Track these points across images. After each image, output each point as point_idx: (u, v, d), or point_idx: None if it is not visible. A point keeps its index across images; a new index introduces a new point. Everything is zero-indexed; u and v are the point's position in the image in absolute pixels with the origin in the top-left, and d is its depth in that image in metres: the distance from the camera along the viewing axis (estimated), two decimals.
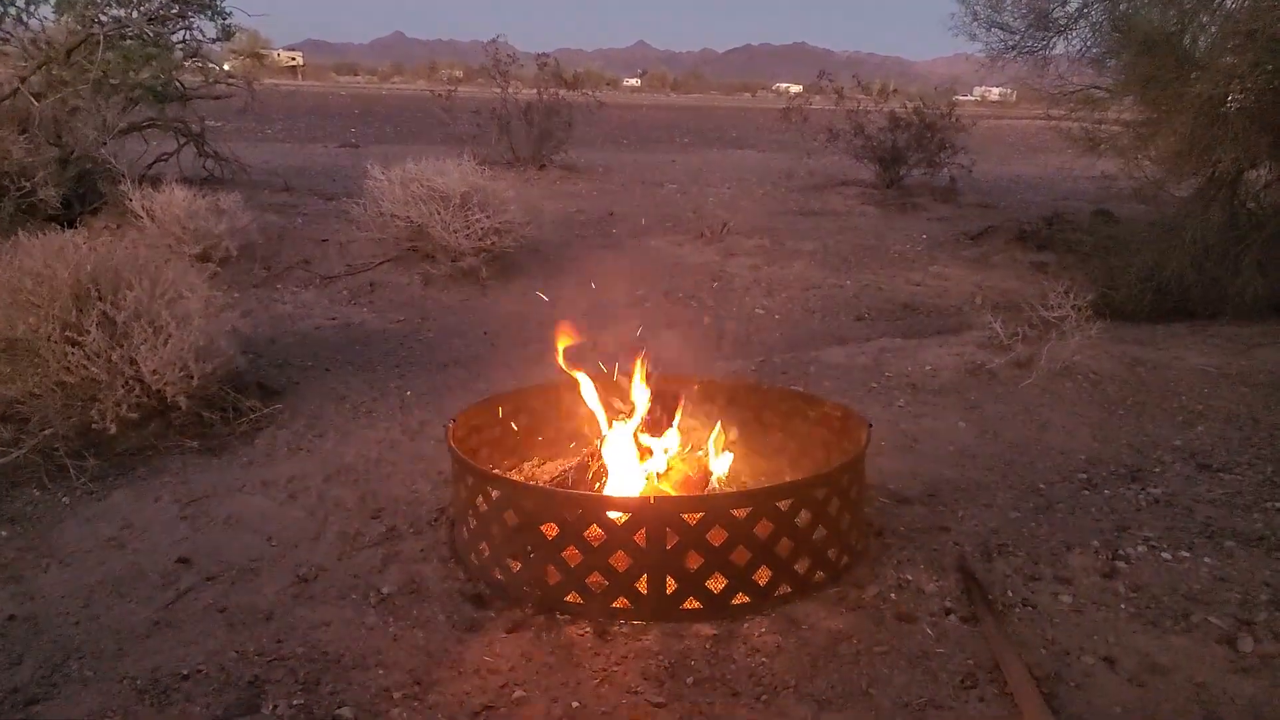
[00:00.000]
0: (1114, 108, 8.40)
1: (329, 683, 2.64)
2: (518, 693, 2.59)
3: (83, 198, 8.73)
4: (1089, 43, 8.54)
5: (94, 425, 4.27)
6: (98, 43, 9.65)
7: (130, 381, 4.39)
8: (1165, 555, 3.36)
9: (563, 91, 14.89)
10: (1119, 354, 5.72)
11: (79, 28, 9.97)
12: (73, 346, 4.33)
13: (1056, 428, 4.71)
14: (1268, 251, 6.89)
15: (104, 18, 10.19)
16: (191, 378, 4.49)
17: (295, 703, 2.55)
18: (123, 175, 8.29)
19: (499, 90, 14.77)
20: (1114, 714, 2.53)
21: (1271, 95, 6.53)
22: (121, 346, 4.41)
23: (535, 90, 14.85)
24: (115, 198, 8.33)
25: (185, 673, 2.68)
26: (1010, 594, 3.11)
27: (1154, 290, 7.12)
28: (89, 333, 4.34)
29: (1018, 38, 9.00)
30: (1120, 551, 3.38)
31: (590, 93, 15.57)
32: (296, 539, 3.53)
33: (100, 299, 4.54)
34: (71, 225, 7.65)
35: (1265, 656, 2.77)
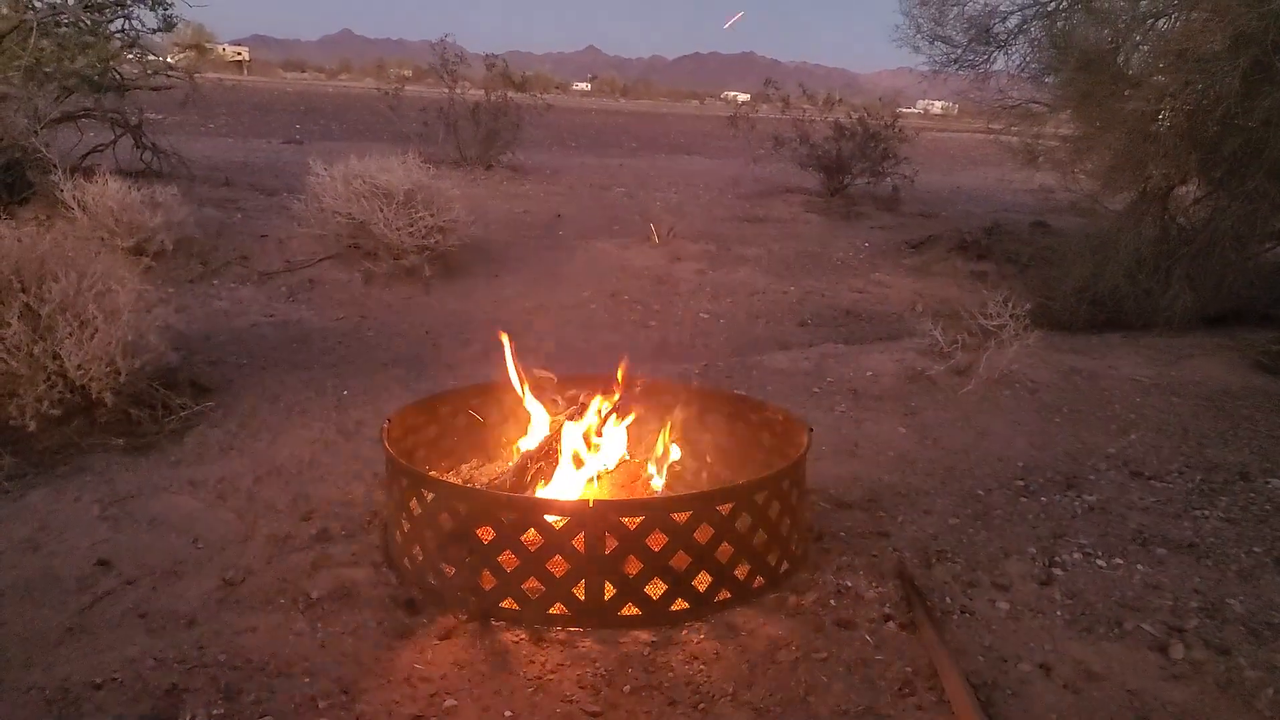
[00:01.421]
0: (1052, 122, 8.58)
1: (252, 691, 2.54)
2: (449, 701, 2.52)
3: (11, 187, 8.42)
4: (1028, 58, 8.74)
5: (12, 421, 4.10)
6: (31, 29, 9.34)
7: (53, 376, 4.22)
8: (1100, 562, 3.40)
9: (511, 93, 14.80)
10: (1056, 363, 5.82)
11: (11, 13, 9.64)
12: None
13: (995, 435, 4.76)
14: (1196, 265, 7.08)
15: (38, 4, 9.87)
16: (119, 374, 4.33)
17: (215, 712, 2.44)
18: (54, 165, 8.00)
19: (447, 90, 14.63)
20: None
21: (1200, 114, 6.71)
22: (44, 340, 4.24)
23: (483, 91, 14.74)
24: (46, 188, 8.05)
25: (98, 681, 2.55)
26: (949, 600, 3.12)
27: (1089, 301, 7.27)
28: (9, 325, 4.17)
29: (959, 51, 9.16)
30: (1056, 559, 3.41)
31: (539, 95, 15.51)
32: (224, 541, 3.41)
33: (23, 290, 4.36)
34: None
35: (1196, 663, 2.82)
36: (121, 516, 3.59)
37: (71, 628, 2.84)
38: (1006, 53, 9.02)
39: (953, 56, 9.27)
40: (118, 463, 4.10)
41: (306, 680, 2.60)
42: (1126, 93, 7.01)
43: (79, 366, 4.22)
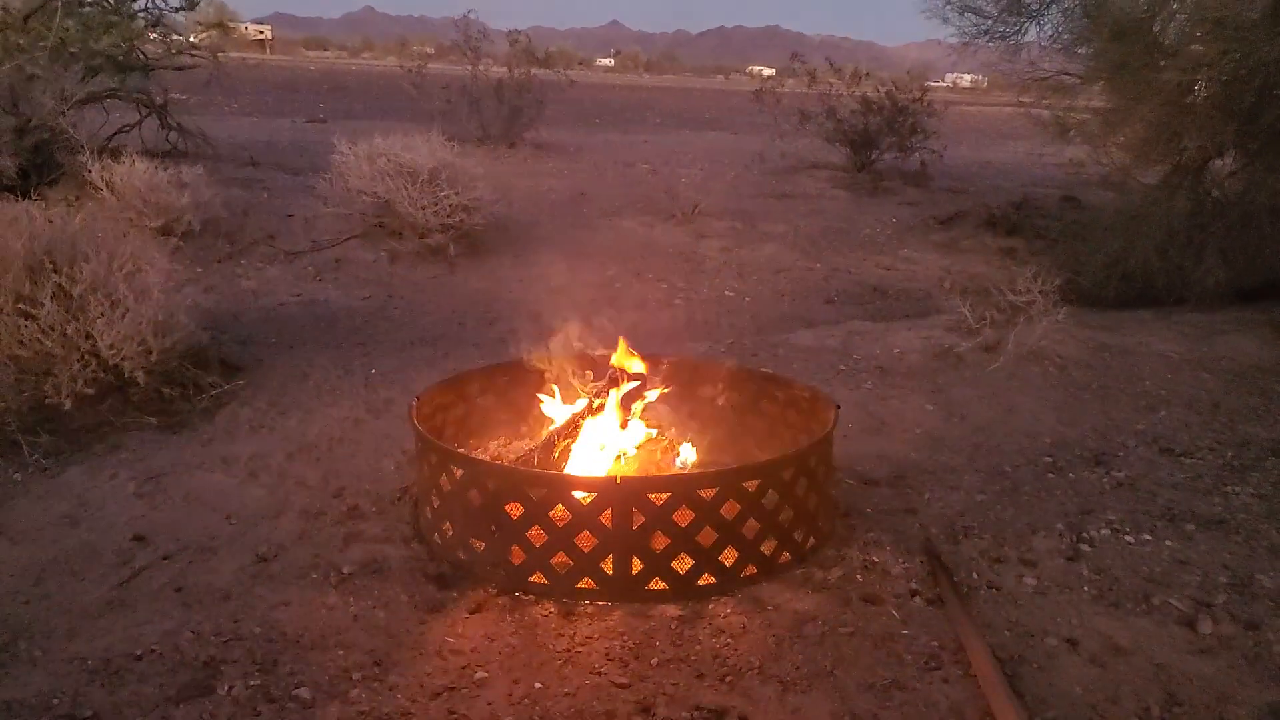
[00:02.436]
0: (1084, 95, 8.44)
1: (287, 663, 2.59)
2: (479, 674, 2.56)
3: (40, 168, 8.50)
4: (1060, 29, 8.55)
5: (48, 400, 4.17)
6: (56, 9, 9.40)
7: (86, 356, 4.29)
8: (1128, 538, 3.39)
9: (534, 69, 14.76)
10: (1085, 339, 5.76)
11: None
12: (26, 319, 4.22)
13: (1023, 411, 4.73)
14: (1230, 239, 6.96)
15: None
16: (150, 353, 4.40)
17: (252, 683, 2.50)
18: (82, 146, 8.08)
19: (470, 67, 14.61)
20: (1075, 695, 2.54)
21: (1238, 84, 6.58)
22: (77, 320, 4.30)
23: (506, 68, 14.71)
24: (74, 169, 8.13)
25: (138, 653, 2.62)
26: (975, 576, 3.13)
27: (1120, 276, 7.18)
28: (43, 305, 4.23)
29: (990, 23, 8.99)
30: (1084, 534, 3.40)
31: (562, 71, 15.46)
32: (256, 517, 3.47)
33: (55, 271, 4.42)
34: (28, 196, 7.45)
35: (1224, 638, 2.81)
36: (156, 493, 3.66)
37: (111, 601, 2.90)
38: (1038, 23, 8.84)
39: (983, 28, 9.09)
40: (151, 440, 4.17)
41: (340, 653, 2.65)
42: (1162, 63, 6.87)
43: (111, 346, 4.29)
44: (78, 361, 4.24)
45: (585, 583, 2.92)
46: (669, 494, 2.91)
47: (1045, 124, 8.63)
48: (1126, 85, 7.26)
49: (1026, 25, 8.81)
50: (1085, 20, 7.71)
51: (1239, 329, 6.16)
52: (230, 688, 2.48)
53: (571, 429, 3.46)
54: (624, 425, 3.48)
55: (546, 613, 2.87)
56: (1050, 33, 8.65)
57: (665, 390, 3.66)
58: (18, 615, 2.82)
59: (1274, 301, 6.91)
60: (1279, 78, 6.11)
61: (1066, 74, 8.48)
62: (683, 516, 2.91)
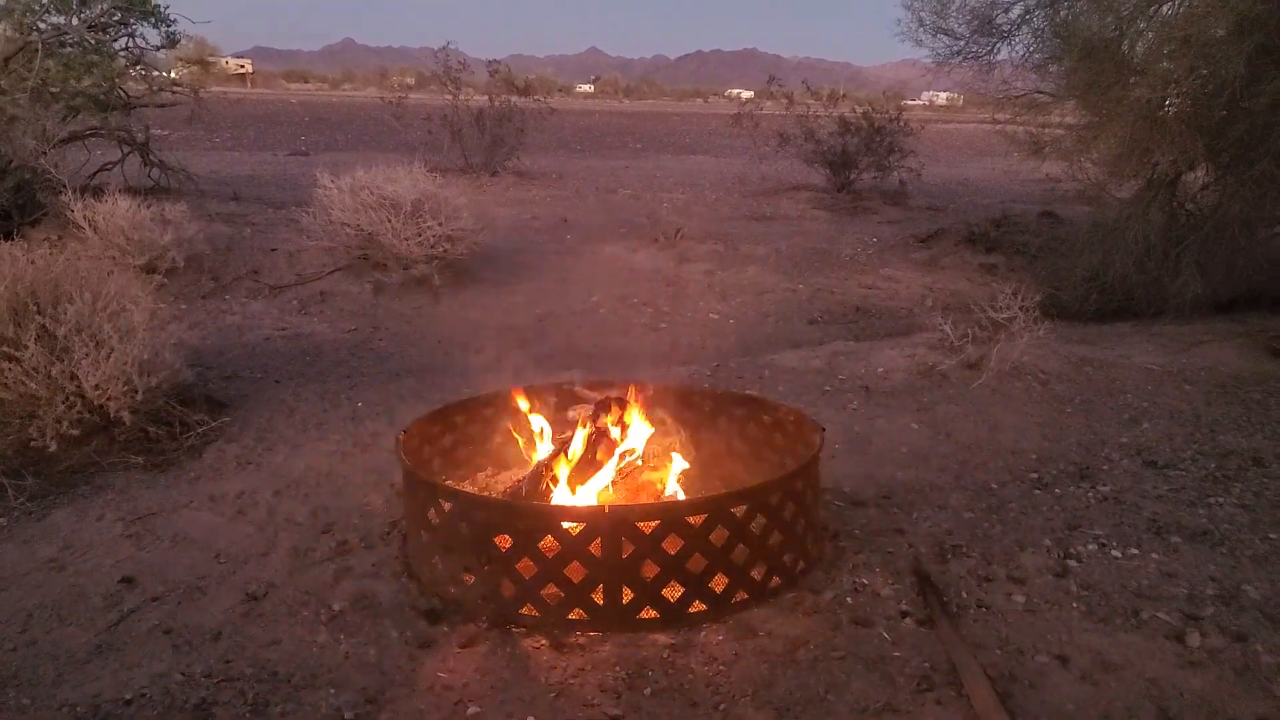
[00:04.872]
0: (1057, 112, 8.57)
1: (279, 704, 2.58)
2: (472, 709, 2.55)
3: (22, 209, 8.50)
4: (1032, 48, 8.71)
5: (33, 443, 4.15)
6: (36, 50, 9.44)
7: (71, 397, 4.27)
8: (1115, 553, 3.41)
9: (514, 98, 14.88)
10: (1066, 354, 5.82)
11: (17, 35, 9.75)
12: (10, 362, 4.20)
13: (1007, 427, 4.77)
14: (1205, 252, 7.06)
15: (43, 25, 9.99)
16: (135, 392, 4.38)
17: None
18: (64, 185, 8.08)
19: (450, 97, 14.71)
20: (1068, 712, 2.55)
21: (1206, 99, 6.70)
22: (62, 361, 4.29)
23: (487, 97, 14.82)
24: (56, 209, 8.13)
25: (128, 698, 2.60)
26: (965, 595, 3.14)
27: (1099, 290, 7.27)
28: (27, 347, 4.21)
29: (963, 43, 9.15)
30: (1071, 550, 3.42)
31: (542, 99, 15.58)
32: (245, 556, 3.45)
33: (39, 312, 4.41)
34: (10, 237, 7.44)
35: (1213, 651, 2.82)
36: (144, 534, 3.63)
37: (100, 645, 2.88)
38: (1010, 43, 9.01)
39: (955, 48, 9.25)
40: (138, 480, 4.15)
41: (332, 691, 2.63)
42: (1132, 80, 7.00)
43: (96, 386, 4.27)
44: (62, 403, 4.23)
45: (576, 614, 2.92)
46: (657, 522, 2.92)
47: (1020, 141, 8.75)
48: (1098, 102, 7.38)
49: (998, 45, 8.96)
50: (1055, 40, 7.84)
51: (1217, 340, 6.23)
52: None
53: (558, 459, 3.47)
54: (613, 448, 3.49)
55: (538, 645, 2.86)
56: (1022, 52, 8.81)
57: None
58: (4, 663, 2.79)
59: (1250, 312, 7.01)
60: (1246, 93, 6.23)
61: (1039, 92, 8.61)
62: (672, 544, 2.92)
